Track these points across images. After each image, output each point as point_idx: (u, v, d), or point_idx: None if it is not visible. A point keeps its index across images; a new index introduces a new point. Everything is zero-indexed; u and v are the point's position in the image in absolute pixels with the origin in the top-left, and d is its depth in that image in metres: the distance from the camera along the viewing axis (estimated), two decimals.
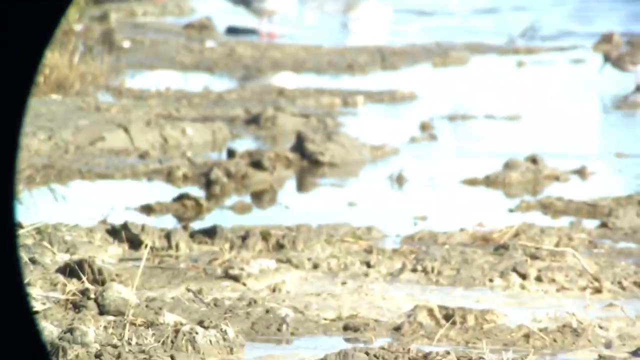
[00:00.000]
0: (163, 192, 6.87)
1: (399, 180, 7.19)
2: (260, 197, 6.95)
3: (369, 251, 5.42)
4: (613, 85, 10.31)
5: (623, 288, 5.07)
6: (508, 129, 8.71)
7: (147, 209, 6.47)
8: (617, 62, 10.29)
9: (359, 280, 5.12)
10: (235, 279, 5.00)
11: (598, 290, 5.04)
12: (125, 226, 5.57)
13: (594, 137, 8.50)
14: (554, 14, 14.65)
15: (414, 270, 5.23)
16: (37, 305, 4.39)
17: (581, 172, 7.36)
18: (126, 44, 12.01)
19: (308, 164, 7.57)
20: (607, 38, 12.43)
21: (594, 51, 12.22)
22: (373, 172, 7.48)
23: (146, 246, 5.41)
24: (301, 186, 7.29)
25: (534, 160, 7.26)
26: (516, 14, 14.66)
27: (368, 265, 5.28)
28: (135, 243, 5.55)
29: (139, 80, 10.55)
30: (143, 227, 5.55)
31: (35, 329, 2.57)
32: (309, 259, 5.30)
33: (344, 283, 5.08)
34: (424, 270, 5.22)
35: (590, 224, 6.19)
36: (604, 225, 6.11)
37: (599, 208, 6.46)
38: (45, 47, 2.48)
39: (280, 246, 5.54)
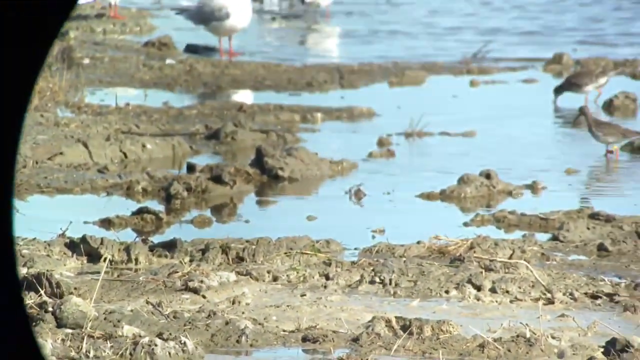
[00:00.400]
0: (122, 206, 6.88)
1: (357, 194, 7.28)
2: (220, 211, 6.98)
3: (327, 264, 5.48)
4: (563, 104, 10.51)
5: (574, 299, 5.18)
6: (462, 146, 8.84)
7: (107, 223, 6.47)
8: (568, 84, 10.49)
9: (317, 292, 5.18)
10: (195, 291, 5.04)
11: (550, 301, 5.14)
12: (84, 240, 5.58)
13: (545, 153, 8.66)
14: (506, 35, 14.87)
15: (372, 282, 5.30)
16: None
17: (533, 187, 7.50)
18: (86, 61, 11.99)
19: (268, 179, 7.62)
20: (557, 59, 12.65)
21: (544, 71, 12.44)
22: (332, 187, 7.56)
23: (105, 259, 5.42)
24: (261, 200, 7.35)
25: (487, 175, 7.39)
26: (470, 35, 14.87)
27: (327, 277, 5.34)
28: (94, 256, 5.56)
29: (99, 96, 10.54)
30: (102, 241, 5.57)
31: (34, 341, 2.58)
32: (268, 272, 5.34)
33: (303, 295, 5.13)
34: (382, 282, 5.29)
35: (543, 237, 6.32)
36: (555, 238, 6.24)
37: (550, 222, 6.59)
38: (42, 65, 2.51)
39: (240, 259, 5.59)
